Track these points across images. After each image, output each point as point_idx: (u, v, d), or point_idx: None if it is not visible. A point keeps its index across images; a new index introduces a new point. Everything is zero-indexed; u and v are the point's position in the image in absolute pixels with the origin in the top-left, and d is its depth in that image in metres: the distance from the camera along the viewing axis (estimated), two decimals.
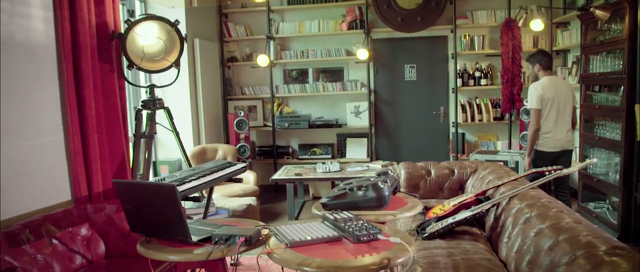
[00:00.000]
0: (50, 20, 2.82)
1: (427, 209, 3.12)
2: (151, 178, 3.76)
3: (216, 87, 5.89)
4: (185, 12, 4.83)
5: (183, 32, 3.35)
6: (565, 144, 3.85)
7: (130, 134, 3.52)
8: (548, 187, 4.17)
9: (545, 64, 3.88)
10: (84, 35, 2.92)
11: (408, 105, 6.04)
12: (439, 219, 2.86)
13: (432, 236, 2.73)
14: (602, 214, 4.07)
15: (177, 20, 3.32)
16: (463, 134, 5.87)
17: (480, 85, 5.71)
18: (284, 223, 4.64)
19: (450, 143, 5.90)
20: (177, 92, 4.69)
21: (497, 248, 2.59)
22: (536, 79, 3.94)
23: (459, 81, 5.72)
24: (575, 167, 2.80)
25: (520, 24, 5.24)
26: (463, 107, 5.73)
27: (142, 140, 3.39)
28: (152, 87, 3.45)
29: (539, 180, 2.76)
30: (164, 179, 2.62)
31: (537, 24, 5.06)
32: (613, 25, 3.87)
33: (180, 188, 2.44)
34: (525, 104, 5.10)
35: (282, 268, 1.86)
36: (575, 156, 4.88)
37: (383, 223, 2.23)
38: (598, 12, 3.67)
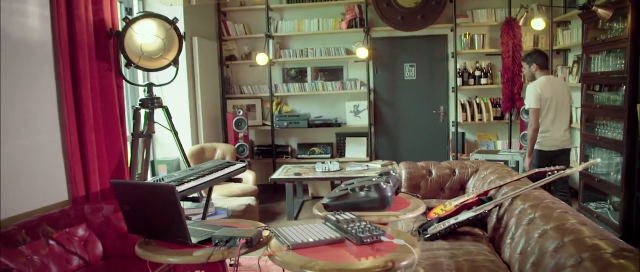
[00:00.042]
0: (47, 18, 2.78)
1: (428, 209, 3.09)
2: (149, 178, 3.73)
3: (215, 86, 5.84)
4: (183, 10, 4.79)
5: (181, 30, 3.31)
6: (563, 143, 3.86)
7: (128, 133, 3.48)
8: (548, 187, 4.16)
9: (541, 63, 3.88)
10: (81, 33, 2.88)
11: (408, 105, 6.01)
12: (441, 219, 2.84)
13: (434, 237, 2.71)
14: (603, 214, 4.04)
15: (175, 18, 3.28)
16: (463, 134, 5.84)
17: (480, 84, 5.68)
18: (284, 223, 4.68)
19: (450, 142, 5.88)
20: (176, 91, 4.64)
21: (500, 249, 2.56)
22: (533, 78, 3.94)
23: (459, 80, 5.69)
24: (578, 168, 2.78)
25: (520, 22, 5.21)
26: (463, 106, 5.70)
27: (140, 139, 3.36)
28: (150, 86, 3.41)
29: (541, 180, 2.73)
30: (162, 179, 2.59)
31: (538, 23, 5.03)
32: (615, 24, 3.85)
33: (179, 188, 2.41)
34: (525, 103, 5.08)
35: (283, 270, 1.83)
36: (575, 155, 4.87)
37: (385, 224, 2.20)
38: (600, 11, 3.65)
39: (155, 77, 3.62)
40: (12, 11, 2.57)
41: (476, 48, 5.63)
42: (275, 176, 4.85)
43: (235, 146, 5.53)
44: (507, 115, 5.63)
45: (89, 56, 2.96)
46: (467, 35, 5.62)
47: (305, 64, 6.05)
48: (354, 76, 5.96)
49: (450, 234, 2.73)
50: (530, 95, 3.79)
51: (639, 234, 3.64)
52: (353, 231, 1.80)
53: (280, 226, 4.48)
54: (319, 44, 5.92)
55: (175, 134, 3.51)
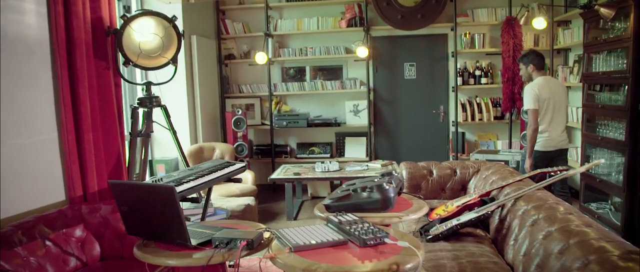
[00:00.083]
0: (44, 15, 2.74)
1: (430, 210, 3.06)
2: (147, 178, 3.69)
3: (213, 85, 5.80)
4: (182, 8, 4.75)
5: (180, 28, 3.27)
6: (560, 143, 3.86)
7: (126, 132, 3.45)
8: (548, 187, 4.14)
9: (538, 64, 3.88)
10: (79, 30, 2.84)
11: (408, 104, 5.98)
12: (443, 220, 2.81)
13: (436, 238, 2.68)
14: (604, 214, 4.02)
15: (174, 16, 3.24)
16: (463, 133, 5.82)
17: (481, 84, 5.66)
18: (283, 223, 4.65)
19: (450, 142, 5.85)
20: (174, 90, 4.60)
21: (503, 251, 2.53)
22: (530, 79, 3.94)
23: (459, 80, 5.67)
24: (581, 168, 2.75)
25: (521, 22, 5.19)
26: (463, 106, 5.68)
27: (139, 139, 3.32)
28: (148, 85, 3.37)
29: (544, 181, 2.71)
30: (161, 179, 2.55)
31: (540, 22, 5.01)
32: (617, 24, 3.82)
33: (178, 189, 2.37)
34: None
35: None
36: (576, 156, 4.85)
37: (387, 226, 2.16)
38: (603, 10, 3.62)
39: (153, 75, 3.58)
40: (8, 8, 2.53)
41: (476, 47, 5.61)
42: (274, 175, 4.82)
43: (234, 146, 5.50)
44: (507, 115, 5.61)
45: (87, 54, 2.92)
46: (468, 35, 5.60)
47: (304, 63, 6.02)
48: (354, 75, 5.93)
49: (452, 235, 2.71)
50: (529, 97, 3.78)
51: None
52: (356, 232, 1.77)
53: (279, 226, 4.50)
54: (318, 43, 5.88)
55: (174, 133, 3.48)
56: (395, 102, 6.00)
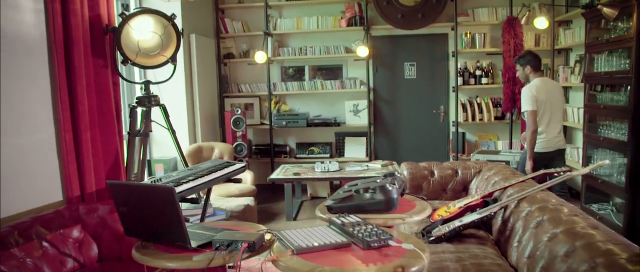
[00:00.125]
0: (41, 12, 2.70)
1: (432, 210, 3.03)
2: (146, 178, 3.65)
3: (212, 84, 5.76)
4: (181, 6, 4.71)
5: (179, 27, 3.24)
6: (558, 144, 3.85)
7: (125, 132, 3.41)
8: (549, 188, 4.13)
9: (535, 65, 3.87)
10: (77, 28, 2.81)
11: (408, 104, 5.95)
12: (445, 221, 2.78)
13: (438, 240, 2.65)
14: (606, 215, 4.00)
15: (173, 15, 3.20)
16: (463, 134, 5.79)
17: (481, 84, 5.63)
18: (282, 223, 4.61)
19: (450, 143, 5.82)
20: (173, 89, 4.56)
21: (506, 252, 2.51)
22: (527, 80, 3.92)
23: (460, 80, 5.64)
24: (586, 169, 2.72)
25: (522, 21, 5.16)
26: (463, 106, 5.65)
27: (137, 138, 3.28)
28: (147, 84, 3.33)
29: (548, 182, 2.68)
30: (160, 179, 2.51)
31: (542, 22, 4.98)
32: (619, 24, 3.80)
33: (178, 189, 2.33)
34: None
35: None
36: (577, 156, 4.83)
37: (390, 227, 2.13)
38: (605, 10, 3.60)
39: (152, 74, 3.54)
40: (4, 5, 2.49)
41: (477, 47, 5.58)
42: (274, 175, 4.78)
43: (233, 145, 5.46)
44: (508, 115, 5.59)
45: (85, 53, 2.88)
46: (468, 34, 5.57)
47: (304, 62, 5.98)
48: (354, 75, 5.90)
49: (454, 236, 2.68)
50: (527, 98, 3.77)
51: None
52: (359, 234, 1.73)
53: (279, 226, 4.46)
54: (318, 42, 5.85)
55: (173, 133, 3.44)
56: (395, 102, 5.97)
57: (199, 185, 2.50)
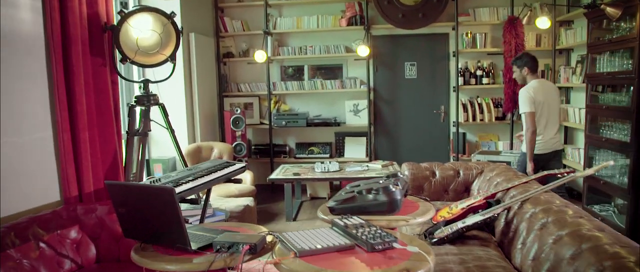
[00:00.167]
0: (39, 10, 2.66)
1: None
2: (144, 178, 3.61)
3: (212, 83, 5.72)
4: (180, 4, 4.67)
5: (178, 25, 3.20)
6: (554, 145, 3.84)
7: (123, 131, 3.37)
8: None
9: (532, 66, 3.87)
10: (75, 26, 2.77)
11: (408, 104, 5.92)
12: (447, 223, 2.75)
13: (441, 241, 2.62)
14: (608, 217, 3.97)
15: (173, 12, 3.16)
16: (464, 134, 5.76)
17: (482, 84, 5.60)
18: (282, 224, 4.58)
19: (450, 143, 5.79)
20: (172, 88, 4.53)
21: (510, 254, 2.48)
22: (524, 82, 3.91)
23: (461, 80, 5.61)
24: (591, 170, 2.69)
25: (524, 21, 5.13)
26: (464, 106, 5.62)
27: (136, 138, 3.24)
28: (146, 83, 3.29)
29: (551, 184, 2.65)
30: (159, 179, 2.48)
31: (543, 22, 4.95)
32: (622, 24, 3.77)
33: (177, 190, 2.30)
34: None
35: None
36: (579, 157, 4.80)
37: (393, 229, 2.10)
38: (609, 10, 3.57)
39: (151, 73, 3.50)
40: (2, 2, 2.44)
41: (478, 47, 5.55)
42: (273, 176, 4.75)
43: (233, 145, 5.42)
44: (508, 115, 5.56)
45: (83, 51, 2.85)
46: (469, 34, 5.54)
47: (304, 62, 5.95)
48: (354, 75, 5.87)
49: (457, 238, 2.65)
50: (525, 100, 3.75)
51: None
52: (363, 237, 1.70)
53: (279, 227, 4.43)
54: (318, 41, 5.81)
55: (172, 132, 3.40)
56: (396, 102, 5.94)
57: (198, 185, 2.47)
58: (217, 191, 4.32)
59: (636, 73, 3.52)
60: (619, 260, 1.65)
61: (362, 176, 4.45)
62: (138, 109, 3.28)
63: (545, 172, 2.93)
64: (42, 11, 2.68)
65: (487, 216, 2.61)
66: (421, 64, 5.84)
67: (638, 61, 3.50)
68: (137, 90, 3.39)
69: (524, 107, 3.75)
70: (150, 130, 3.32)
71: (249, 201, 4.08)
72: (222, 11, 5.91)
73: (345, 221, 1.90)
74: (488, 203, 2.82)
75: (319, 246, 1.68)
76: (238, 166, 2.84)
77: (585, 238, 1.89)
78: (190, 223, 2.81)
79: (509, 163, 4.76)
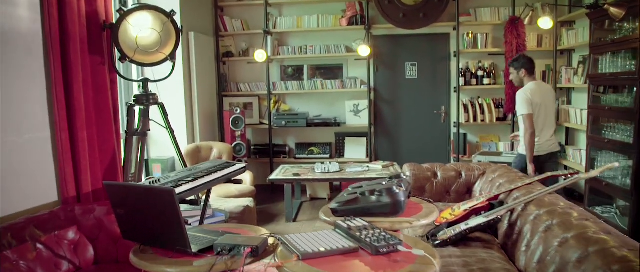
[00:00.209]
0: (37, 8, 2.63)
1: None
2: (143, 178, 3.58)
3: (211, 83, 5.69)
4: (179, 3, 4.63)
5: (178, 23, 3.16)
6: (550, 147, 3.83)
7: (122, 131, 3.33)
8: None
9: (530, 68, 3.85)
10: (73, 24, 2.73)
11: (409, 104, 5.89)
12: (450, 224, 2.72)
13: (444, 243, 2.59)
14: (610, 218, 3.95)
15: (172, 11, 3.12)
16: (465, 135, 5.73)
17: (483, 84, 5.57)
18: (282, 225, 4.54)
19: (451, 144, 5.76)
20: (171, 87, 4.49)
21: (514, 257, 2.45)
22: (521, 83, 3.89)
23: (461, 80, 5.58)
24: (596, 172, 2.66)
25: (526, 22, 5.10)
26: (465, 107, 5.59)
27: (135, 137, 3.20)
28: (145, 82, 3.25)
29: (557, 185, 2.62)
30: (158, 180, 2.44)
31: (546, 22, 4.92)
32: (626, 24, 3.75)
33: (177, 190, 2.26)
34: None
35: None
36: (580, 158, 4.78)
37: (396, 231, 2.06)
38: (613, 10, 3.54)
39: (150, 72, 3.46)
40: None
41: (479, 47, 5.53)
42: (273, 176, 4.71)
43: (232, 145, 5.38)
44: (509, 116, 5.53)
45: (81, 49, 2.81)
46: (470, 34, 5.51)
47: (304, 62, 5.91)
48: (354, 75, 5.83)
49: (460, 240, 2.62)
50: (523, 102, 3.73)
51: None
52: (367, 239, 1.66)
53: (279, 228, 4.39)
54: (318, 41, 5.78)
55: (172, 132, 3.36)
56: (396, 102, 5.91)
57: (198, 186, 2.44)
58: (216, 191, 4.28)
59: (639, 74, 3.50)
60: (627, 264, 1.62)
61: (363, 176, 4.42)
62: (137, 109, 3.24)
63: (549, 174, 2.90)
64: (40, 9, 2.64)
65: (490, 218, 2.59)
66: (422, 64, 5.81)
67: None
68: (136, 90, 3.35)
69: (522, 109, 3.73)
70: (150, 130, 3.28)
71: (248, 201, 4.05)
72: (221, 10, 5.87)
73: (348, 223, 1.86)
74: (491, 205, 2.79)
75: (322, 249, 1.64)
76: (238, 166, 2.81)
77: (592, 241, 1.86)
78: (190, 224, 2.77)
79: (510, 164, 4.73)
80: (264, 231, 1.97)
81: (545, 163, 3.76)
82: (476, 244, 2.65)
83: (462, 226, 2.61)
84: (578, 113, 4.85)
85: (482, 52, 5.56)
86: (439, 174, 3.65)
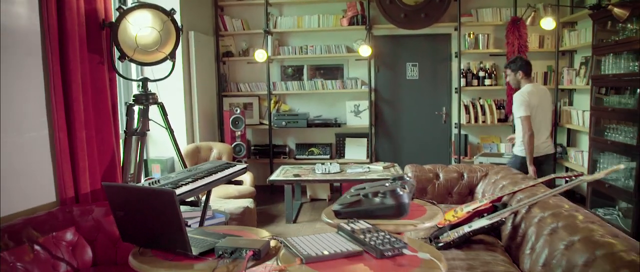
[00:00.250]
0: (35, 6, 2.59)
1: None
2: (142, 178, 3.54)
3: (211, 83, 5.65)
4: (179, 2, 4.59)
5: (178, 22, 3.13)
6: (546, 149, 3.82)
7: (121, 130, 3.29)
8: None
9: (527, 70, 3.84)
10: (72, 23, 2.69)
11: (409, 105, 5.86)
12: (453, 227, 2.69)
13: (447, 246, 2.56)
14: (613, 221, 3.93)
15: (172, 9, 3.09)
16: (466, 136, 5.70)
17: (484, 85, 5.55)
18: (282, 226, 4.51)
19: (452, 145, 5.73)
20: (170, 87, 4.45)
21: (518, 260, 2.42)
22: (518, 85, 3.88)
23: (463, 81, 5.56)
24: (600, 174, 2.63)
25: (528, 22, 5.08)
26: (466, 107, 5.56)
27: (134, 137, 3.16)
28: (144, 81, 3.22)
29: (561, 187, 2.59)
30: (157, 180, 2.41)
31: (548, 23, 4.90)
32: (629, 25, 3.72)
33: (177, 191, 2.23)
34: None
35: None
36: (582, 160, 4.75)
37: (400, 234, 2.03)
38: (616, 10, 3.52)
39: (150, 71, 3.43)
40: None
41: (480, 48, 5.50)
42: (273, 177, 4.68)
43: (232, 146, 5.35)
44: (511, 117, 5.50)
45: (80, 48, 2.77)
46: (472, 35, 5.49)
47: (304, 62, 5.88)
48: (355, 75, 5.80)
49: (464, 242, 2.58)
50: (520, 104, 3.71)
51: None
52: (372, 242, 1.63)
53: (279, 229, 4.36)
54: (319, 41, 5.75)
55: (172, 132, 3.33)
56: (397, 102, 5.88)
57: (199, 187, 2.41)
58: (216, 192, 4.25)
59: None
60: (635, 268, 1.59)
61: (363, 177, 4.39)
62: (136, 108, 3.21)
63: (552, 176, 2.87)
64: (39, 7, 2.60)
65: (494, 220, 2.56)
66: (423, 64, 5.79)
67: None
68: (136, 89, 3.31)
69: (519, 111, 3.71)
70: (149, 130, 3.25)
71: (248, 202, 4.01)
72: (222, 10, 5.84)
73: (351, 225, 1.83)
74: (494, 207, 2.76)
75: (325, 252, 1.61)
76: (239, 167, 2.77)
77: (599, 244, 1.83)
78: (190, 226, 2.74)
79: None
80: (265, 233, 1.94)
81: (542, 164, 3.75)
82: (479, 246, 2.62)
83: (466, 228, 2.58)
84: (580, 114, 4.83)
85: (483, 52, 5.53)
86: (441, 175, 3.62)
